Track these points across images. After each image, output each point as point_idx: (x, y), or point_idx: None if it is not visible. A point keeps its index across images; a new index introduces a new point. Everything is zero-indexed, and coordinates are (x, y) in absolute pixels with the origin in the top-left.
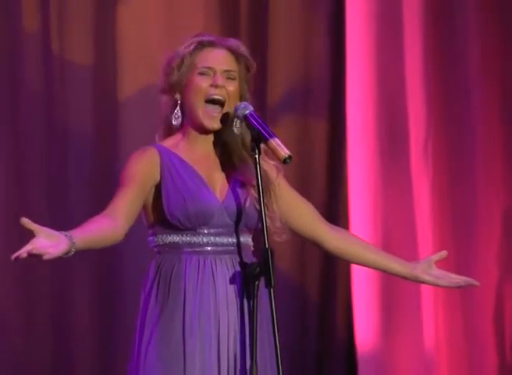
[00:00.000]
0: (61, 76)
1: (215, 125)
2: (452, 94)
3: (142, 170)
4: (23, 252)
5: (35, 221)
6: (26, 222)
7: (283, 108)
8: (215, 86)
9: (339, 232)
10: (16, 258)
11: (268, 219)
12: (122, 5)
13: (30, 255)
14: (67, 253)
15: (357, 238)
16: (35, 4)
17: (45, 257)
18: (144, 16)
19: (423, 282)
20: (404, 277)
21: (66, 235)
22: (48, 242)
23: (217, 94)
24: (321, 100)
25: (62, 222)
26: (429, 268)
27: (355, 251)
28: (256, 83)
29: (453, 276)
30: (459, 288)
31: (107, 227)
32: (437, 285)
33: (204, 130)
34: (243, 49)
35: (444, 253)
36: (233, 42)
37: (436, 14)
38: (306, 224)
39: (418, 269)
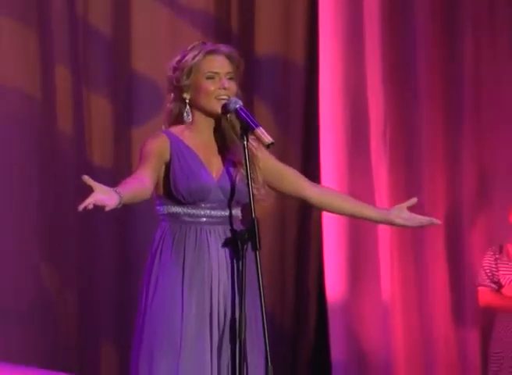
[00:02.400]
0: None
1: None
2: (405, 92)
3: (156, 151)
4: (88, 203)
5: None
6: (86, 179)
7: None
8: (223, 88)
9: (321, 188)
10: (84, 209)
11: (255, 191)
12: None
13: (95, 206)
14: (117, 205)
15: (336, 192)
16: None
17: (106, 208)
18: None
19: (395, 225)
20: (379, 222)
21: (116, 191)
22: (104, 196)
23: (224, 95)
24: (297, 100)
25: None
26: (401, 212)
27: (336, 204)
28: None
29: (419, 216)
30: (422, 227)
31: (141, 186)
32: (406, 226)
33: (210, 116)
34: (235, 53)
35: (414, 200)
36: (228, 48)
37: (392, 23)
38: (292, 187)
39: (392, 215)
